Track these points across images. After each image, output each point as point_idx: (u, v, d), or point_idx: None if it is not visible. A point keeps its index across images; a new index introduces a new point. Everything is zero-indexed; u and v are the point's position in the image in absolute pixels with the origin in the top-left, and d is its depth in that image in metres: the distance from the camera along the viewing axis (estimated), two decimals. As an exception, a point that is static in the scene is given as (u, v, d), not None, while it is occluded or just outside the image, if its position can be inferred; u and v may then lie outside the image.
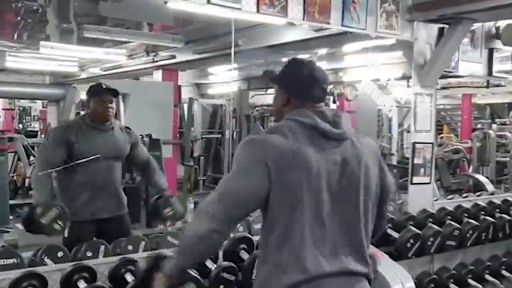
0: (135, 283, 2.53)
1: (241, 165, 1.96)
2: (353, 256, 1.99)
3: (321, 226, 1.93)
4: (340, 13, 3.66)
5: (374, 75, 4.57)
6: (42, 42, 6.76)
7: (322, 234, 1.93)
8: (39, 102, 14.60)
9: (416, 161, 4.27)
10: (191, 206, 7.44)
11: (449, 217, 4.20)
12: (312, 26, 4.86)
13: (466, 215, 4.33)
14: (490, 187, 8.35)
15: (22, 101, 15.53)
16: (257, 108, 14.68)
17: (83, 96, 11.92)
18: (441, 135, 13.85)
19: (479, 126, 12.94)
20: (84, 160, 3.42)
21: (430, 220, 4.07)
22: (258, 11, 3.27)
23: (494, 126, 11.74)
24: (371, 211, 2.08)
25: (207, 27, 6.45)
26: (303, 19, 3.50)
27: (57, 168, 3.41)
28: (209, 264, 2.85)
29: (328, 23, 3.64)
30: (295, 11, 3.44)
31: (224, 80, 12.33)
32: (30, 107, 16.22)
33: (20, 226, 7.56)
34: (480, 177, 9.02)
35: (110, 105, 3.57)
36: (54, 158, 3.43)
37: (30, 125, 15.15)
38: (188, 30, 6.88)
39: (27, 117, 17.24)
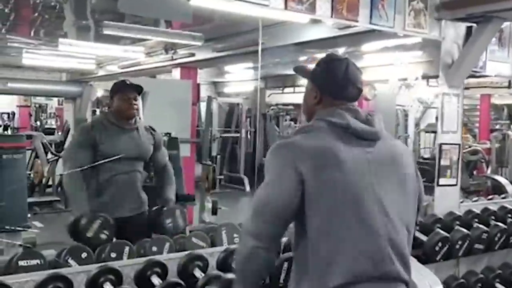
0: (162, 286, 2.47)
1: (271, 175, 1.91)
2: (393, 260, 1.90)
3: (360, 228, 1.85)
4: (369, 11, 3.58)
5: (400, 74, 4.49)
6: (60, 39, 6.74)
7: (361, 236, 1.85)
8: (55, 100, 14.61)
9: (442, 162, 4.18)
10: (209, 205, 7.40)
11: (476, 220, 4.11)
12: (337, 24, 4.80)
13: (493, 217, 4.23)
14: (510, 188, 8.21)
15: (38, 98, 15.55)
16: (272, 107, 14.64)
17: (99, 93, 12.06)
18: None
19: (497, 127, 12.79)
20: (107, 160, 3.36)
21: (457, 223, 3.98)
22: (286, 7, 3.20)
23: (513, 127, 11.58)
24: (411, 212, 2.00)
25: (227, 24, 6.38)
26: (331, 16, 3.42)
27: (82, 168, 3.34)
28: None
29: (356, 21, 3.56)
30: (323, 8, 3.36)
31: (240, 78, 12.29)
32: (47, 104, 16.22)
33: (38, 223, 7.65)
34: (500, 179, 8.86)
35: (134, 102, 3.51)
36: (81, 160, 3.36)
37: (47, 122, 15.16)
38: (207, 28, 6.81)
39: (43, 114, 17.26)
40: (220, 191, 10.10)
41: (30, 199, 7.34)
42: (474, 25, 4.17)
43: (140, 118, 3.74)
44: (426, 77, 8.07)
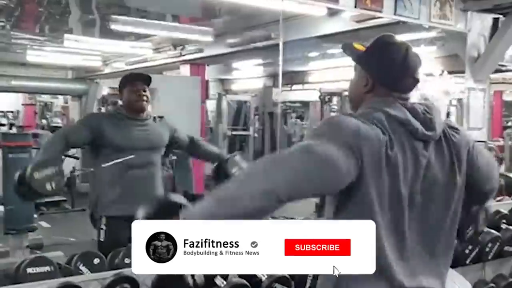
0: None
1: (330, 138, 1.56)
2: (428, 272, 1.75)
3: (399, 234, 1.68)
4: (393, 1, 3.45)
5: (426, 69, 4.35)
6: (66, 35, 6.59)
7: (400, 243, 1.68)
8: (60, 98, 14.48)
9: (469, 161, 4.00)
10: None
11: (504, 221, 3.91)
12: (354, 17, 4.64)
13: (522, 218, 4.04)
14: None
15: (43, 96, 15.42)
16: (280, 105, 14.47)
17: (105, 91, 11.92)
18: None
19: (510, 123, 12.59)
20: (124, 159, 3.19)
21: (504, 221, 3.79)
22: (309, -3, 3.03)
23: (526, 124, 11.38)
24: (453, 220, 1.81)
25: (238, 19, 6.21)
26: (355, 7, 3.27)
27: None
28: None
29: (380, 11, 3.40)
30: (347, -1, 3.20)
31: (248, 75, 12.13)
32: (52, 102, 16.10)
33: (45, 224, 7.51)
34: (517, 177, 8.68)
35: (144, 93, 3.34)
36: (74, 136, 3.20)
37: (52, 120, 15.02)
38: (217, 22, 6.64)
39: (48, 113, 17.14)
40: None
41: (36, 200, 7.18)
42: (501, 16, 4.00)
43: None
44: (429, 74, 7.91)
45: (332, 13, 4.93)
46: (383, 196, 1.63)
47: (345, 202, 1.66)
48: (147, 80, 3.38)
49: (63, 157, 8.78)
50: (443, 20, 3.74)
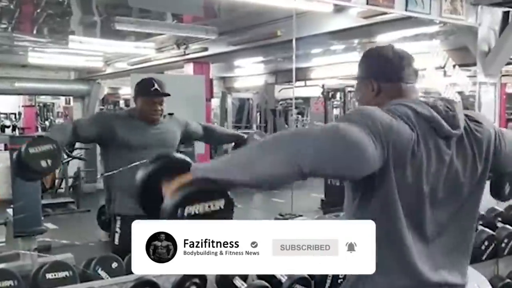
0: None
1: (362, 125, 1.53)
2: (451, 266, 1.75)
3: (421, 231, 1.69)
4: (404, -3, 3.39)
5: (436, 63, 4.36)
6: (70, 37, 6.56)
7: (422, 239, 1.69)
8: (62, 98, 14.45)
9: (481, 156, 3.97)
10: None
11: (518, 216, 3.90)
12: (361, 13, 4.61)
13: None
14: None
15: (43, 97, 15.40)
16: (281, 102, 14.47)
17: (106, 91, 11.89)
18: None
19: (512, 116, 12.56)
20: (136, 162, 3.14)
21: (499, 219, 3.76)
22: (321, -6, 3.00)
23: (530, 116, 11.33)
24: (474, 214, 1.84)
25: (242, 17, 6.18)
26: (367, 3, 3.23)
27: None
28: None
29: (392, 8, 3.37)
30: (359, -5, 3.17)
31: (250, 73, 12.10)
32: (53, 103, 16.06)
33: (51, 225, 7.49)
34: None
35: (160, 107, 3.24)
36: (82, 129, 3.13)
37: (54, 122, 14.99)
38: (221, 21, 6.61)
39: (48, 114, 17.11)
40: (234, 188, 9.87)
41: (42, 201, 7.16)
42: (511, 10, 3.97)
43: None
44: (440, 67, 7.89)
45: (339, 9, 4.90)
46: (406, 192, 1.63)
47: (367, 197, 1.65)
48: (165, 95, 3.26)
49: (69, 158, 8.82)
50: (454, 15, 3.71)
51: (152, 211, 1.53)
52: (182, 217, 1.39)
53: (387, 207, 1.64)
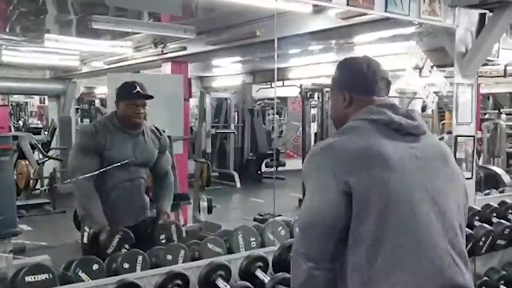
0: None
1: (314, 185, 1.75)
2: (458, 263, 1.75)
3: (417, 232, 1.69)
4: (384, -2, 3.41)
5: (414, 64, 4.36)
6: (46, 35, 6.47)
7: (420, 242, 1.69)
8: (36, 98, 14.24)
9: (458, 155, 4.02)
10: (205, 204, 7.18)
11: (494, 214, 3.97)
12: (341, 14, 4.62)
13: (510, 211, 4.10)
14: (507, 178, 8.10)
15: (15, 96, 15.16)
16: (258, 102, 14.48)
17: (82, 90, 11.75)
18: (443, 121, 13.48)
19: (486, 116, 12.70)
20: (113, 166, 3.12)
21: (477, 218, 3.83)
22: (302, -5, 3.00)
23: (503, 116, 11.50)
24: (462, 210, 1.86)
25: (221, 17, 6.15)
26: (347, 4, 3.25)
27: (87, 175, 3.08)
28: (261, 275, 2.61)
29: (372, 9, 3.39)
30: (340, -4, 3.18)
31: (228, 72, 12.06)
32: (26, 102, 15.83)
33: (25, 227, 7.37)
34: (497, 169, 8.75)
35: (142, 110, 3.23)
36: (89, 168, 3.11)
37: (27, 121, 14.76)
38: (199, 20, 6.57)
39: (21, 113, 16.86)
40: (212, 188, 9.86)
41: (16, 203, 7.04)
42: (487, 11, 4.02)
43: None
44: (417, 68, 7.92)
45: (318, 10, 4.91)
46: (385, 194, 1.67)
47: (361, 216, 1.68)
48: (148, 97, 3.26)
49: (45, 158, 8.70)
50: (433, 16, 3.75)
51: None
52: None
53: (372, 217, 1.66)
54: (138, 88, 3.21)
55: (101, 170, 3.14)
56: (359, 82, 1.91)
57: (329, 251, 1.69)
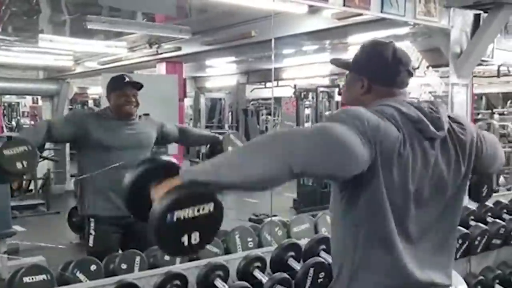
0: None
1: (349, 125, 1.53)
2: (435, 266, 1.77)
3: (407, 230, 1.70)
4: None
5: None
6: (40, 35, 6.45)
7: (408, 238, 1.70)
8: (28, 98, 14.18)
9: (453, 156, 4.03)
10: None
11: (489, 214, 3.98)
12: (336, 14, 4.63)
13: (505, 211, 4.11)
14: (501, 178, 8.14)
15: (7, 97, 15.09)
16: (252, 102, 14.49)
17: (75, 90, 11.70)
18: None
19: (479, 116, 12.74)
20: (112, 166, 3.10)
21: (472, 217, 3.84)
22: (299, -4, 3.01)
23: (496, 116, 11.53)
24: (457, 214, 1.86)
25: (216, 17, 6.16)
26: (344, 5, 3.27)
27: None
28: (259, 275, 2.62)
29: (368, 9, 3.41)
30: (336, -3, 3.19)
31: (222, 73, 12.06)
32: (18, 103, 15.75)
33: (19, 228, 7.32)
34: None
35: (133, 99, 3.25)
36: (57, 129, 3.09)
37: (20, 121, 14.69)
38: (195, 20, 6.58)
39: (13, 113, 16.79)
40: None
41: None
42: (482, 12, 4.04)
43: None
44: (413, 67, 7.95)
45: (313, 10, 4.92)
46: (393, 191, 1.64)
47: (355, 197, 1.66)
48: (137, 85, 3.29)
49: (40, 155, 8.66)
50: (428, 17, 3.77)
51: (141, 216, 1.50)
52: (171, 222, 1.37)
53: (375, 207, 1.64)
54: (127, 79, 3.27)
55: (108, 168, 3.10)
56: (380, 70, 1.78)
57: (314, 172, 1.54)
